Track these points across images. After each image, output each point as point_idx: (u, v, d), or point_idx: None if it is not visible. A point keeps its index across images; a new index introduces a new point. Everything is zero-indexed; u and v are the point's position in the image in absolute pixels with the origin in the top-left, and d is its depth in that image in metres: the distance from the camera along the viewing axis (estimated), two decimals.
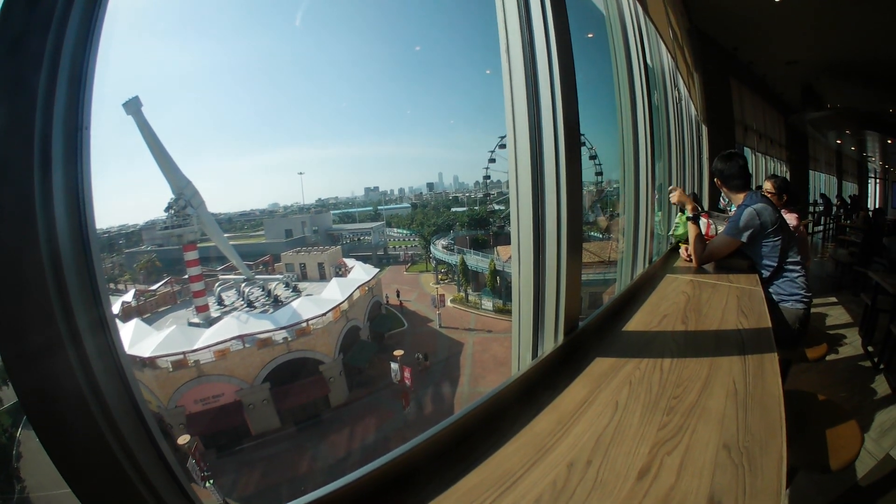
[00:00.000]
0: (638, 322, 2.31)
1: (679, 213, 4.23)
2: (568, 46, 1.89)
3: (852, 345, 5.76)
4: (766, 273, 3.14)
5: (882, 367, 4.93)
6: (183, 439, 17.59)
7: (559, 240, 1.88)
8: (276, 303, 29.12)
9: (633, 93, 3.63)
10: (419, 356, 27.50)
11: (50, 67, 0.77)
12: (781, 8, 8.25)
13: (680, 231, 4.11)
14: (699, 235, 3.55)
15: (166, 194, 27.71)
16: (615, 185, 48.32)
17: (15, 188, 0.74)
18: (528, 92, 1.88)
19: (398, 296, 37.76)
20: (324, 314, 25.55)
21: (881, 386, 4.65)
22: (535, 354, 1.94)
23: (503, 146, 48.02)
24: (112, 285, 41.13)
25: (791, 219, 3.94)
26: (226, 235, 35.24)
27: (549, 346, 1.91)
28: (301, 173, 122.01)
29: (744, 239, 3.17)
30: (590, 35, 5.02)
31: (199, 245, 29.09)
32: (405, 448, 1.19)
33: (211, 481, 16.93)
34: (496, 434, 1.33)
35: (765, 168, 14.66)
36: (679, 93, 6.27)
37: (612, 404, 1.45)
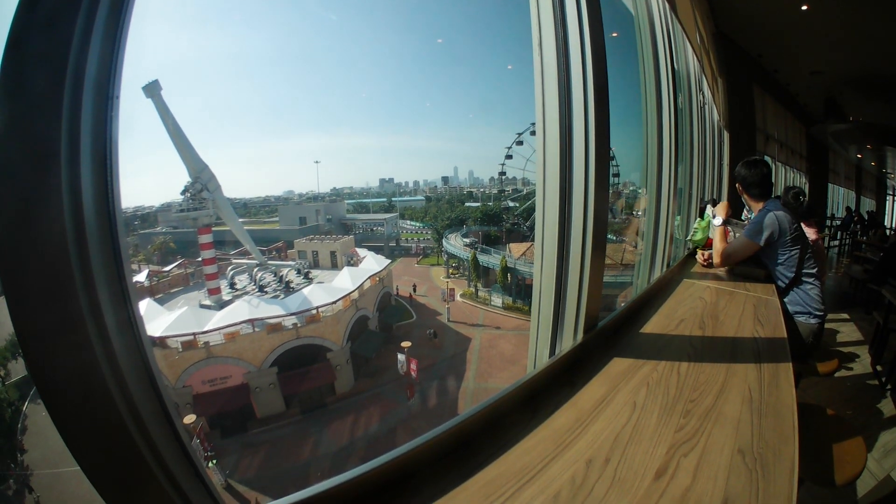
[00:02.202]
0: (655, 325, 2.31)
1: (698, 219, 4.21)
2: (601, 44, 1.88)
3: (861, 362, 5.70)
4: (782, 284, 3.13)
5: (889, 387, 4.87)
6: (189, 419, 17.84)
7: (584, 238, 1.88)
8: (288, 289, 29.29)
9: (660, 94, 3.60)
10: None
11: (81, 39, 0.77)
12: (808, 17, 8.12)
13: (698, 236, 4.09)
14: (724, 237, 3.60)
15: (183, 177, 27.89)
16: (632, 188, 48.03)
17: (43, 155, 0.72)
18: (560, 88, 1.87)
19: (414, 290, 37.96)
20: (334, 302, 25.69)
21: (887, 406, 4.60)
22: (553, 351, 1.95)
23: (520, 143, 47.85)
24: None
25: (810, 232, 3.90)
26: (240, 220, 35.42)
27: (567, 343, 1.92)
28: (317, 162, 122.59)
29: (761, 242, 3.15)
30: (614, 34, 5.00)
31: (213, 229, 29.28)
32: (423, 439, 1.21)
33: (214, 461, 17.17)
34: (515, 427, 1.34)
35: (784, 178, 14.49)
36: (703, 97, 6.23)
37: (630, 404, 1.46)
